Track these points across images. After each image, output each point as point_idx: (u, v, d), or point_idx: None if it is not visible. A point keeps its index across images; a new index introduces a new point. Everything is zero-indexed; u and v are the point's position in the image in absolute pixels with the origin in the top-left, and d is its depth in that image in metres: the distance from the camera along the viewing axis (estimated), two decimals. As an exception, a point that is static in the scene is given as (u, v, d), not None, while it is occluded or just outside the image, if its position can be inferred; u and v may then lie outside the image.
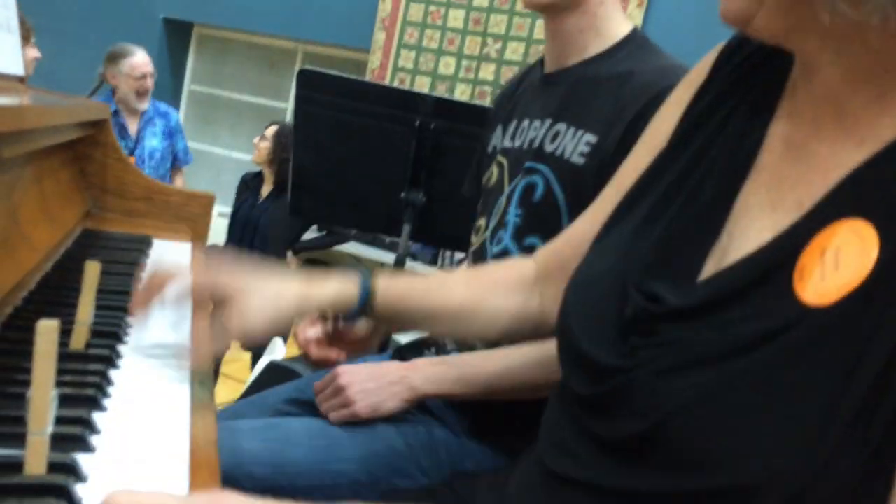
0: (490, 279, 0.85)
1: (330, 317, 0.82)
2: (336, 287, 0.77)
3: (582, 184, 1.00)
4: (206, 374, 0.75)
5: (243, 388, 1.90)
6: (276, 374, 1.53)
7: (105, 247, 1.11)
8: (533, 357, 0.95)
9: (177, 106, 6.04)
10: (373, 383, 1.01)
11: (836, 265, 0.47)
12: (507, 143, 1.15)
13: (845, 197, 0.49)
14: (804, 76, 0.56)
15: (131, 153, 3.51)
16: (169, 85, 5.89)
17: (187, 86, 6.06)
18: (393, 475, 0.98)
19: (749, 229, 0.55)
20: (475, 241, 1.17)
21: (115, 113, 3.44)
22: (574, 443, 0.60)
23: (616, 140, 0.98)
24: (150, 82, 3.46)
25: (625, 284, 0.59)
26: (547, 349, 0.87)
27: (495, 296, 0.83)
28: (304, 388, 1.15)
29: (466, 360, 1.02)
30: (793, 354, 0.47)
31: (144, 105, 3.48)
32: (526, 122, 1.13)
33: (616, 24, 1.08)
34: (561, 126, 1.06)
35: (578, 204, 0.94)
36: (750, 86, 0.62)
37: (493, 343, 0.89)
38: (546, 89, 1.13)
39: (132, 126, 3.45)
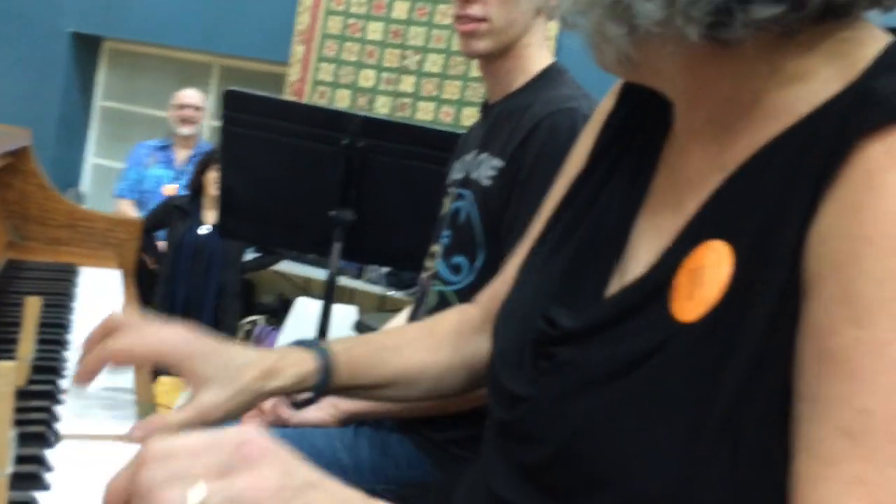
0: (444, 334, 0.84)
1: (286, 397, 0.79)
2: (294, 365, 0.73)
3: (489, 203, 1.11)
4: (149, 406, 0.75)
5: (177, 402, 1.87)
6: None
7: (31, 277, 1.09)
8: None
9: (87, 122, 5.84)
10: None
11: (701, 283, 0.51)
12: (455, 176, 1.25)
13: (706, 219, 0.53)
14: (674, 111, 0.61)
15: (174, 181, 3.82)
16: (79, 101, 5.68)
17: (98, 102, 5.87)
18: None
19: (640, 254, 0.59)
20: (429, 265, 1.24)
21: (165, 147, 4.04)
22: (501, 467, 0.62)
23: (508, 164, 1.10)
24: (189, 112, 4.13)
25: (534, 313, 0.62)
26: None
27: (449, 351, 0.83)
28: None
29: None
30: (667, 370, 0.50)
31: (185, 131, 4.16)
32: (468, 156, 1.23)
33: (537, 61, 1.20)
34: (483, 155, 1.17)
35: (488, 221, 1.10)
36: (649, 113, 0.65)
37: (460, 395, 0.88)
38: (482, 123, 1.26)
39: (179, 157, 3.71)
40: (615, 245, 0.61)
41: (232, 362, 0.68)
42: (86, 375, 0.67)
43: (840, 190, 0.45)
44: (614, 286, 0.59)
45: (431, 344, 0.83)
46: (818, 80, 0.50)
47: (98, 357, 0.67)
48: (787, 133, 0.50)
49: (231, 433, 0.40)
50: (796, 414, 0.44)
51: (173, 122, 4.14)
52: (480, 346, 0.81)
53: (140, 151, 4.51)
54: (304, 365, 0.73)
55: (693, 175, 0.57)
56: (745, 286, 0.48)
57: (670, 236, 0.56)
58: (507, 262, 0.84)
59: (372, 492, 0.97)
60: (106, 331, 0.68)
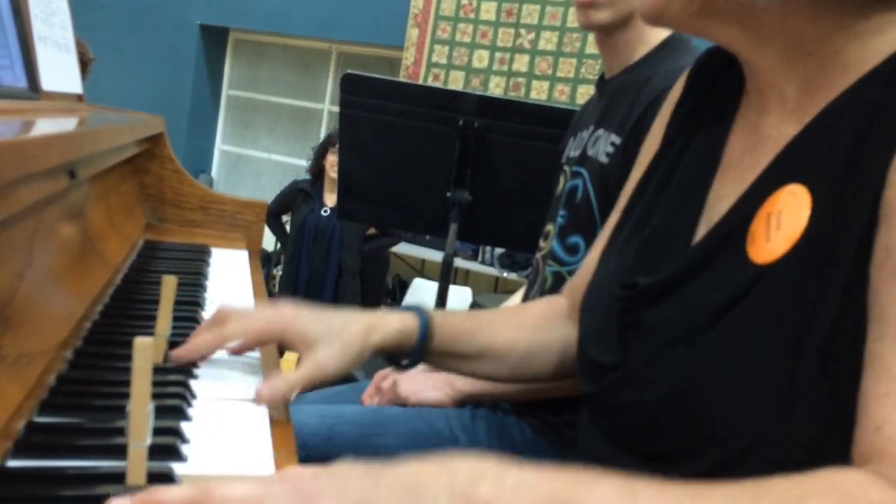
0: (531, 318, 0.87)
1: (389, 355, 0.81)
2: (397, 325, 0.77)
3: (607, 181, 1.07)
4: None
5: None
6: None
7: (167, 258, 1.14)
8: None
9: (216, 111, 6.14)
10: (421, 377, 1.16)
11: (779, 226, 0.53)
12: (571, 154, 1.22)
13: (783, 166, 0.55)
14: (747, 71, 0.62)
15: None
16: (208, 91, 5.98)
17: (225, 91, 6.15)
18: (431, 452, 1.03)
19: (717, 211, 0.61)
20: (543, 245, 1.22)
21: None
22: (596, 441, 0.65)
23: (626, 140, 1.06)
24: None
25: (617, 286, 0.65)
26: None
27: (537, 334, 0.85)
28: (363, 389, 1.23)
29: None
30: (754, 314, 0.52)
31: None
32: (583, 133, 1.19)
33: (657, 31, 1.15)
34: (600, 131, 1.13)
35: (606, 201, 1.04)
36: (716, 92, 0.68)
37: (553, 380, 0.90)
38: (599, 99, 1.21)
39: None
40: (694, 210, 0.63)
41: (334, 322, 0.73)
42: (188, 354, 0.72)
43: None
44: (697, 237, 0.62)
45: (520, 324, 0.85)
46: (894, 30, 0.52)
47: (210, 342, 0.72)
48: (865, 79, 0.52)
49: (285, 476, 0.45)
50: (868, 338, 0.46)
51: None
52: (568, 333, 0.83)
53: None
54: (404, 323, 0.77)
55: (771, 130, 0.59)
56: (826, 226, 0.50)
57: (747, 183, 0.58)
58: (590, 250, 0.85)
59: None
60: (216, 320, 0.73)
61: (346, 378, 1.42)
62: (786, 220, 0.53)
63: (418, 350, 0.78)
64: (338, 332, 0.73)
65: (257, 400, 0.67)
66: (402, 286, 4.70)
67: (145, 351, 0.50)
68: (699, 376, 0.53)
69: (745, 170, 0.60)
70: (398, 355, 0.80)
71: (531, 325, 0.85)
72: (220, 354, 0.78)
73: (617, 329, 0.63)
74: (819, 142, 0.53)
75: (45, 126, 0.69)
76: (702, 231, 0.62)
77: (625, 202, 0.75)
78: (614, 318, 0.64)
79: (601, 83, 1.22)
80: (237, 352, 0.78)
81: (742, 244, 0.55)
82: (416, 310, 0.79)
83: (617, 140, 1.08)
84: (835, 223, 0.50)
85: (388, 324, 0.76)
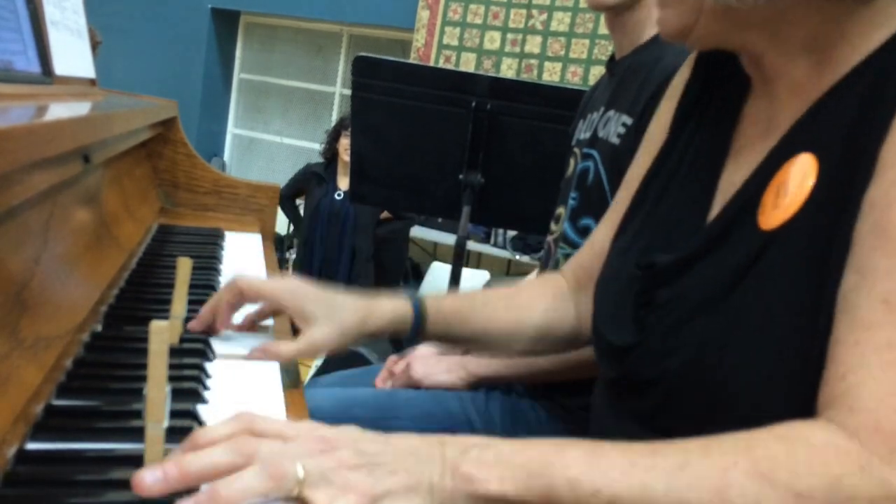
0: (528, 297, 0.89)
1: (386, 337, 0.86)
2: (391, 308, 0.80)
3: (619, 162, 1.05)
4: (292, 370, 0.78)
5: (310, 370, 1.96)
6: (340, 356, 1.58)
7: (182, 241, 1.15)
8: None
9: (228, 95, 6.14)
10: (434, 359, 1.16)
11: (786, 193, 0.55)
12: (581, 136, 1.20)
13: (794, 138, 0.57)
14: (753, 66, 0.64)
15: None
16: (220, 74, 5.98)
17: (237, 74, 6.15)
18: (444, 434, 1.04)
19: (730, 187, 0.62)
20: (554, 228, 1.22)
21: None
22: (613, 421, 0.67)
23: (638, 121, 1.05)
24: None
25: (632, 269, 0.66)
26: None
27: (534, 313, 0.87)
28: (376, 372, 1.23)
29: None
30: (765, 279, 0.53)
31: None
32: (594, 114, 1.18)
33: None
34: (611, 113, 1.12)
35: (617, 183, 1.04)
36: (726, 76, 0.69)
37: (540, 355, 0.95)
38: (609, 80, 1.20)
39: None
40: (707, 193, 0.65)
41: (335, 305, 0.77)
42: (206, 318, 0.77)
43: None
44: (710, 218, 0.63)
45: (518, 304, 0.87)
46: None
47: (224, 299, 0.76)
48: (873, 55, 0.54)
49: (314, 427, 0.50)
50: (844, 285, 0.49)
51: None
52: (566, 313, 0.87)
53: None
54: (398, 309, 0.80)
55: (781, 114, 0.61)
56: (834, 190, 0.52)
57: (758, 161, 0.59)
58: (595, 232, 0.86)
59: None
60: (231, 286, 0.77)
61: (358, 360, 1.43)
62: (791, 187, 0.55)
63: (412, 337, 0.81)
64: (336, 314, 0.76)
65: (249, 356, 0.73)
66: (415, 269, 4.70)
67: (161, 334, 0.50)
68: (716, 345, 0.55)
69: (757, 152, 0.61)
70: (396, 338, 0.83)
71: (529, 307, 0.87)
72: (236, 339, 0.78)
73: (633, 309, 0.64)
74: (827, 114, 0.56)
75: (59, 111, 0.69)
76: (715, 212, 0.63)
77: (635, 185, 0.76)
78: (630, 299, 0.65)
79: (611, 63, 1.20)
80: (249, 326, 0.81)
81: (754, 215, 0.56)
82: (411, 295, 0.82)
83: (629, 121, 1.07)
84: (842, 187, 0.51)
85: (383, 311, 0.79)
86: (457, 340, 0.86)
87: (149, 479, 0.45)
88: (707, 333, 0.56)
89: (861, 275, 0.48)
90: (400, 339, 0.83)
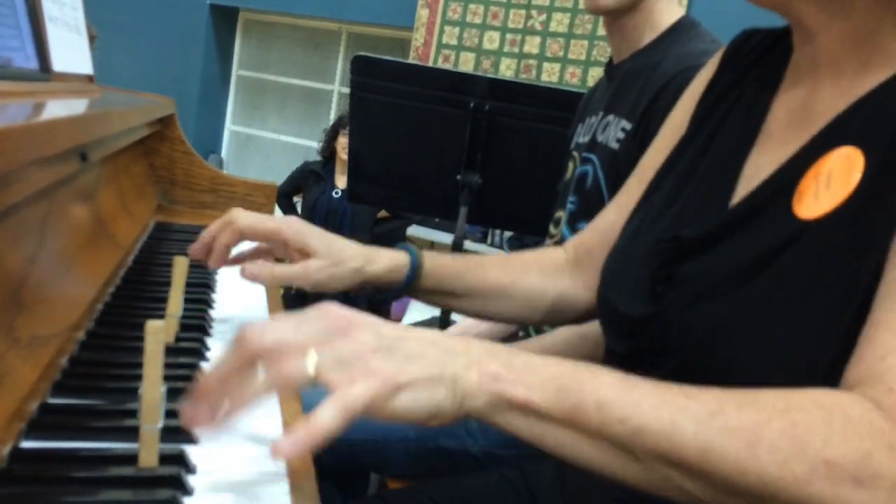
0: (523, 262, 0.90)
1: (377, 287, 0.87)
2: (389, 258, 0.82)
3: (618, 167, 1.06)
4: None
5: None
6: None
7: (178, 239, 1.15)
8: (572, 333, 1.04)
9: (226, 92, 6.14)
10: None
11: (828, 185, 0.54)
12: (580, 139, 1.20)
13: (838, 130, 0.56)
14: (803, 45, 0.63)
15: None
16: (217, 71, 5.97)
17: (235, 71, 6.14)
18: (440, 435, 1.06)
19: (759, 171, 0.62)
20: (553, 231, 1.22)
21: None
22: None
23: (637, 126, 1.05)
24: None
25: (652, 244, 0.66)
26: (584, 329, 0.99)
27: (528, 277, 0.87)
28: None
29: (519, 342, 1.12)
30: (796, 266, 0.53)
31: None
32: (593, 118, 1.18)
33: (666, 14, 1.13)
34: (610, 117, 1.12)
35: (616, 187, 1.04)
36: (755, 72, 0.70)
37: (536, 324, 0.95)
38: (607, 84, 1.20)
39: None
40: (732, 176, 0.64)
41: (337, 244, 0.79)
42: (204, 247, 0.80)
43: None
44: (735, 200, 0.63)
45: (513, 266, 0.88)
46: None
47: (222, 242, 0.78)
48: None
49: (319, 310, 0.47)
50: (888, 275, 0.48)
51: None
52: (561, 285, 0.87)
53: None
54: (396, 258, 0.82)
55: (820, 105, 0.60)
56: (876, 189, 0.51)
57: (795, 148, 0.59)
58: (601, 214, 0.86)
59: (498, 459, 0.98)
60: (228, 219, 0.79)
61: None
62: (836, 179, 0.54)
63: (409, 283, 0.83)
64: (336, 251, 0.78)
65: (242, 274, 0.75)
66: (412, 268, 4.70)
67: (157, 334, 0.50)
68: (735, 324, 0.54)
69: (789, 140, 0.61)
70: (388, 289, 0.84)
71: (524, 273, 0.88)
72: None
73: (650, 283, 0.64)
74: (874, 112, 0.55)
75: (56, 108, 0.69)
76: (739, 196, 0.63)
77: (649, 174, 0.77)
78: (648, 273, 0.64)
79: (610, 68, 1.20)
80: (243, 262, 0.81)
81: (788, 202, 0.56)
82: (407, 248, 0.83)
83: (628, 126, 1.07)
84: (888, 185, 0.51)
85: (381, 258, 0.81)
86: (449, 295, 0.86)
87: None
88: (726, 312, 0.55)
89: (893, 285, 0.48)
90: (383, 294, 0.84)
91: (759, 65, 0.71)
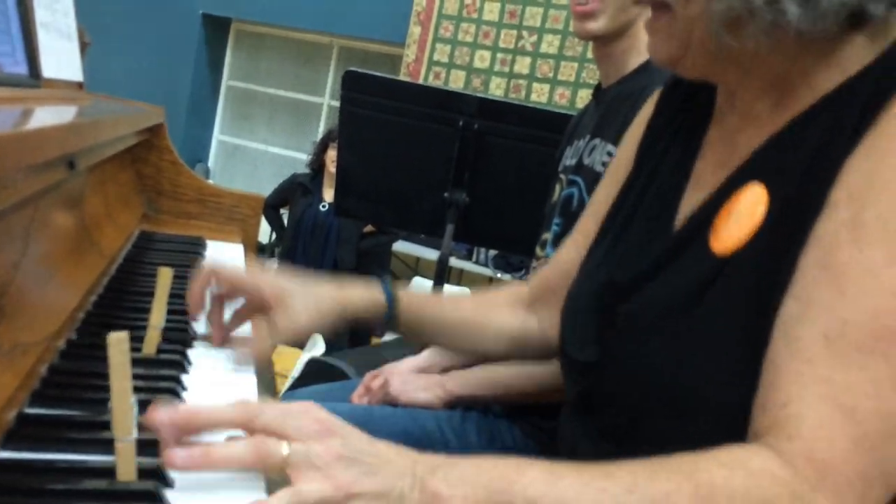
0: (493, 300, 0.93)
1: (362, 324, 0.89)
2: (365, 295, 0.84)
3: None
4: (268, 383, 0.77)
5: (286, 382, 1.94)
6: (317, 369, 1.57)
7: (163, 249, 1.14)
8: (539, 367, 1.06)
9: (215, 101, 6.13)
10: (412, 377, 1.16)
11: (738, 221, 0.58)
12: (567, 162, 1.22)
13: (748, 169, 0.60)
14: (726, 97, 0.68)
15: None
16: (208, 81, 5.97)
17: (225, 81, 6.14)
18: (421, 452, 1.04)
19: (686, 211, 0.66)
20: (540, 253, 1.23)
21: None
22: (579, 436, 0.70)
23: None
24: None
25: (598, 288, 0.70)
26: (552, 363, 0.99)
27: (498, 314, 0.91)
28: (353, 387, 1.22)
29: (491, 367, 1.14)
30: (719, 302, 0.56)
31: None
32: (580, 141, 1.20)
33: None
34: (597, 141, 1.14)
35: None
36: (687, 113, 0.73)
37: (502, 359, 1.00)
38: (595, 108, 1.22)
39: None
40: (668, 217, 0.68)
41: (314, 295, 0.81)
42: (197, 297, 0.80)
43: (874, 137, 0.52)
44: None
45: (485, 305, 0.91)
46: (858, 54, 0.57)
47: (203, 281, 0.80)
48: (828, 96, 0.58)
49: (303, 408, 0.53)
50: (785, 311, 0.52)
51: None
52: (525, 321, 0.90)
53: None
54: (373, 299, 0.84)
55: (742, 144, 0.64)
56: (785, 221, 0.55)
57: (715, 187, 0.63)
58: (559, 251, 0.89)
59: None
60: (206, 269, 0.81)
61: (335, 374, 1.42)
62: (743, 215, 0.58)
63: (387, 321, 0.85)
64: (315, 306, 0.80)
65: (237, 361, 0.76)
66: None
67: (120, 345, 0.50)
68: (674, 363, 0.57)
69: (714, 178, 0.64)
70: (367, 327, 0.87)
71: (491, 311, 0.91)
72: (214, 352, 0.78)
73: (595, 328, 0.67)
74: (782, 148, 0.59)
75: (45, 116, 0.69)
76: (672, 227, 0.67)
77: (601, 209, 0.80)
78: (593, 318, 0.68)
79: (598, 92, 1.22)
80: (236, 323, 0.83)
81: (706, 239, 0.60)
82: (384, 286, 0.85)
83: (613, 150, 1.08)
84: (793, 219, 0.54)
85: (359, 300, 0.83)
86: (424, 332, 0.89)
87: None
88: (664, 352, 0.58)
89: (803, 305, 0.51)
90: (359, 333, 0.87)
91: (691, 104, 0.74)
